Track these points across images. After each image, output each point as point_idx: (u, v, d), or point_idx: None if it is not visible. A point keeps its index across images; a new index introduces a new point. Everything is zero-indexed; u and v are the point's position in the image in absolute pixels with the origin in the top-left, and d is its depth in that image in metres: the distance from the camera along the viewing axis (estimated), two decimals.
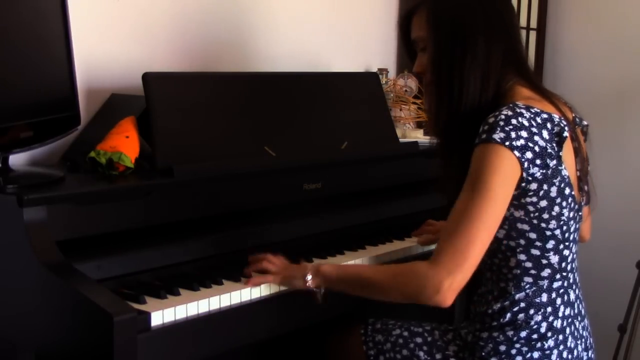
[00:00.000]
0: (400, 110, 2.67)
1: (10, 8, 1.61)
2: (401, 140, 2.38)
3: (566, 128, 1.58)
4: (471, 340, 1.66)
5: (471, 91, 1.60)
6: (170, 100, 1.85)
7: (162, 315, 1.50)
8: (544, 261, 1.61)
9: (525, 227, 1.58)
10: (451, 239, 1.50)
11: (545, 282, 1.62)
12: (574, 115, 1.70)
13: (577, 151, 1.64)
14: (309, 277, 1.65)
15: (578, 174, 1.64)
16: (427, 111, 1.78)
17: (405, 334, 1.75)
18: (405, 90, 2.73)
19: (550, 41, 3.12)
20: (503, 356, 1.60)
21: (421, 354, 1.70)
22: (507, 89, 1.62)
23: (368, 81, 2.36)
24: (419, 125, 2.68)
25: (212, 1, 2.34)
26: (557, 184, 1.56)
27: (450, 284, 1.48)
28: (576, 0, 3.09)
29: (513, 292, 1.61)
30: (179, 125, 1.84)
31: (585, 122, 1.74)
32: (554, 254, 1.61)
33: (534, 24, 3.25)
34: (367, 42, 2.86)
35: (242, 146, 1.94)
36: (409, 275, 1.54)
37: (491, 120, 1.53)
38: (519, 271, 1.61)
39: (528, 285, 1.61)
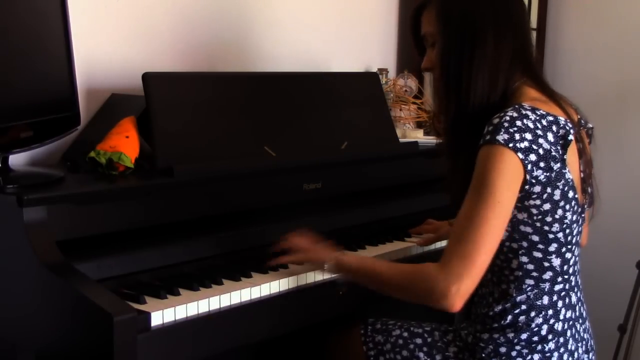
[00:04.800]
0: (400, 110, 2.67)
1: (10, 8, 1.61)
2: (401, 140, 2.37)
3: (571, 131, 1.57)
4: (471, 342, 1.66)
5: (479, 89, 1.59)
6: (170, 100, 1.84)
7: (162, 315, 1.50)
8: (546, 264, 1.60)
9: (528, 229, 1.57)
10: (458, 245, 1.50)
11: (547, 285, 1.61)
12: (579, 117, 1.70)
13: (582, 152, 1.63)
14: (328, 264, 1.69)
15: (582, 175, 1.63)
16: (435, 108, 1.78)
17: (405, 334, 1.74)
18: (405, 90, 2.73)
19: (550, 41, 3.12)
20: (503, 358, 1.60)
21: (421, 354, 1.70)
22: (514, 89, 1.61)
23: (368, 81, 2.36)
24: (419, 125, 2.68)
25: (212, 1, 2.34)
26: (560, 187, 1.55)
27: (458, 289, 1.48)
28: (576, 0, 3.08)
29: (514, 294, 1.61)
30: (179, 125, 1.84)
31: (590, 125, 1.73)
32: (556, 257, 1.60)
33: (534, 24, 3.24)
34: (367, 42, 2.86)
35: (242, 146, 1.94)
36: (418, 277, 1.54)
37: (496, 121, 1.52)
38: (520, 273, 1.61)
39: (529, 288, 1.61)
